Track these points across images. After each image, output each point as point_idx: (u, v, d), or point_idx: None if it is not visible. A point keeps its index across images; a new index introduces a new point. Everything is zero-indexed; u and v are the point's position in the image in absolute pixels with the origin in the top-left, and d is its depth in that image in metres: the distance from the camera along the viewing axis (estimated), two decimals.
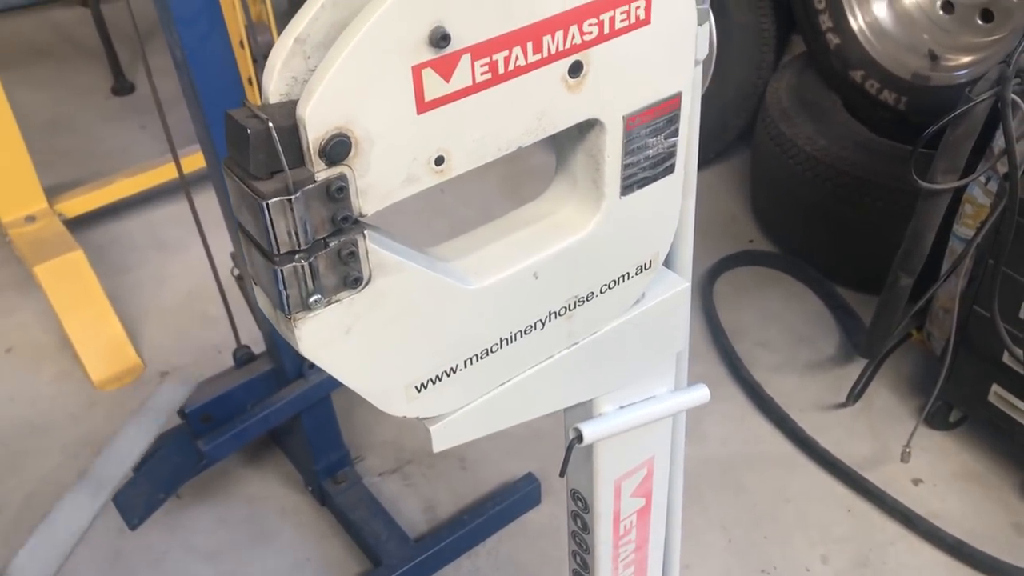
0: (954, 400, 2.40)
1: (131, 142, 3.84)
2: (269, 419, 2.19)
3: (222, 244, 2.14)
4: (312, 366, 2.20)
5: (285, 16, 4.18)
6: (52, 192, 3.13)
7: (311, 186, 0.73)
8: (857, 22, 2.85)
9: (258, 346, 2.28)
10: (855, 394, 2.55)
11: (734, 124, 3.23)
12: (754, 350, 2.76)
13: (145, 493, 2.19)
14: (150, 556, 2.32)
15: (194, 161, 2.64)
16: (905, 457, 2.33)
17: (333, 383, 2.25)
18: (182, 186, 2.11)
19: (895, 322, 2.39)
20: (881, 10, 2.85)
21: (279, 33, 2.85)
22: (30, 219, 3.01)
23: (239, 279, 2.16)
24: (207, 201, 2.08)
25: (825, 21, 2.88)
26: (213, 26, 1.78)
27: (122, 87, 4.16)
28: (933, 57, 2.73)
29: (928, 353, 2.52)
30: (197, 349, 2.87)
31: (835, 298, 2.89)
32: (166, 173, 3.30)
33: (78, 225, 3.18)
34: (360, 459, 2.52)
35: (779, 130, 2.90)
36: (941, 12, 2.79)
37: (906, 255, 2.26)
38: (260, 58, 2.74)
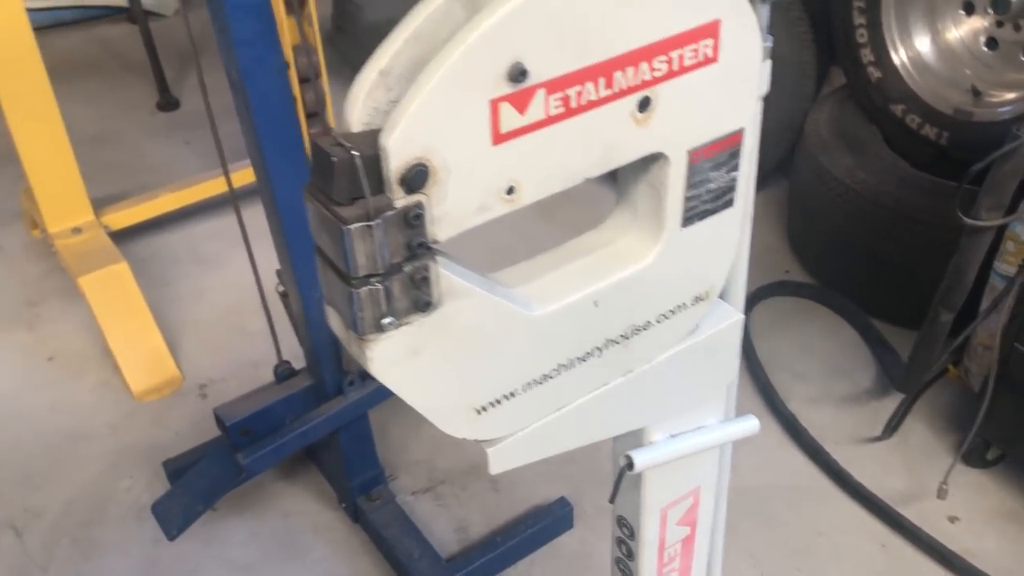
0: (992, 437, 2.38)
1: (175, 157, 3.91)
2: (308, 435, 2.22)
3: (265, 259, 2.18)
4: (352, 383, 2.24)
5: (331, 38, 4.26)
6: (98, 204, 3.19)
7: (390, 212, 0.76)
8: (899, 56, 2.86)
9: (297, 362, 2.31)
10: (891, 428, 2.54)
11: (772, 155, 3.24)
12: (789, 381, 2.75)
13: (183, 504, 2.22)
14: (184, 567, 2.34)
15: (239, 177, 2.69)
16: (942, 494, 2.32)
17: (371, 401, 2.28)
18: (231, 201, 2.15)
19: (934, 357, 2.39)
20: (924, 45, 2.86)
21: (324, 54, 2.88)
22: (76, 231, 3.07)
23: (283, 295, 2.19)
24: (250, 216, 2.12)
25: (867, 55, 2.89)
26: (269, 48, 1.82)
27: (167, 103, 4.23)
28: (976, 93, 2.74)
29: (965, 389, 2.51)
30: (235, 363, 2.91)
31: (871, 331, 2.88)
32: (209, 189, 3.35)
33: (122, 237, 3.23)
34: (393, 478, 2.54)
35: (818, 162, 2.90)
36: (985, 48, 2.79)
37: (947, 291, 2.25)
38: (310, 77, 2.78)
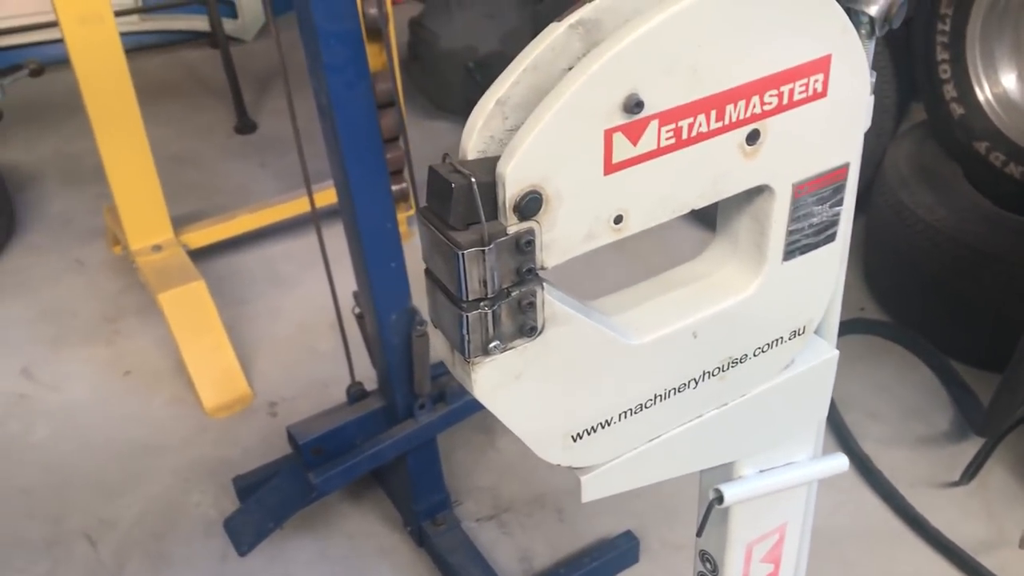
0: None
1: (252, 179, 4.00)
2: (378, 456, 2.23)
3: (340, 280, 2.21)
4: (422, 407, 2.25)
5: (406, 65, 4.33)
6: (178, 223, 3.27)
7: (503, 239, 0.77)
8: (984, 93, 2.81)
9: (368, 383, 2.34)
10: (970, 473, 2.47)
11: None
12: (863, 421, 2.70)
13: (255, 521, 2.25)
14: None
15: (318, 199, 2.75)
16: (1023, 543, 2.25)
17: (440, 425, 2.29)
18: (313, 221, 2.19)
19: (1017, 402, 2.32)
20: (1010, 82, 2.81)
21: (402, 81, 2.93)
22: (157, 248, 3.15)
23: (359, 317, 2.22)
24: (327, 238, 2.16)
25: (949, 91, 2.85)
26: (358, 74, 1.86)
27: (245, 126, 4.33)
28: None
29: None
30: (305, 383, 2.95)
31: (949, 372, 2.82)
32: (285, 210, 3.42)
33: (200, 256, 3.31)
34: (459, 503, 2.54)
35: (897, 198, 2.86)
36: None
37: None
38: (386, 103, 2.83)
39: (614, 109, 0.77)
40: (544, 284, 0.83)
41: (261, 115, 4.43)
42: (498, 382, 0.85)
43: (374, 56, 3.09)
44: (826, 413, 1.17)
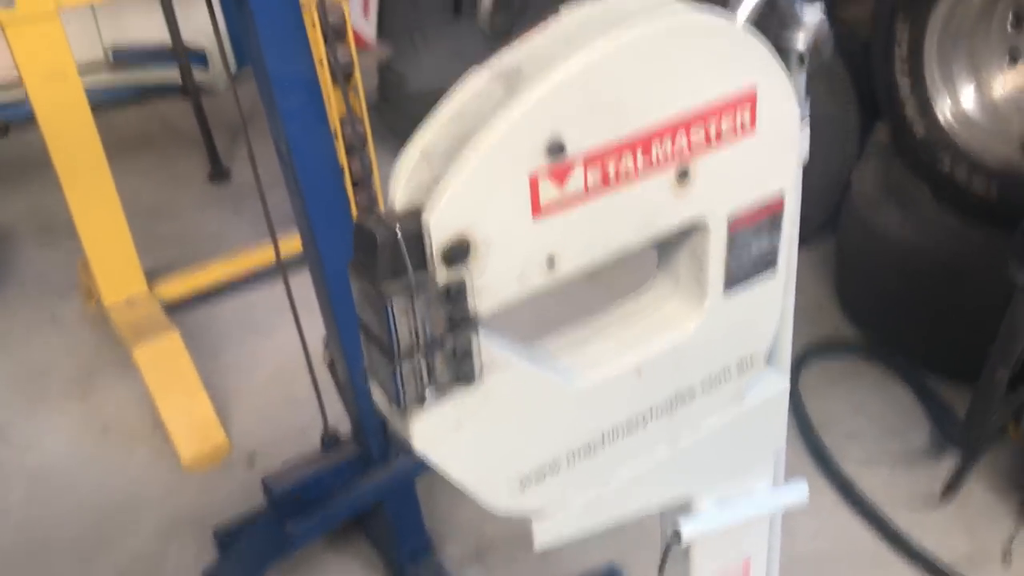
0: None
1: (226, 226, 3.99)
2: (355, 503, 2.22)
3: (312, 327, 2.20)
4: (398, 452, 2.24)
5: (376, 107, 4.35)
6: (152, 275, 3.26)
7: (432, 288, 0.77)
8: (943, 111, 2.84)
9: (344, 429, 2.32)
10: (950, 490, 2.46)
11: (819, 212, 3.22)
12: (843, 442, 2.70)
13: (235, 574, 2.22)
14: None
15: (287, 246, 2.74)
16: (1006, 558, 2.24)
17: (417, 469, 2.28)
18: (279, 270, 2.18)
19: (991, 415, 2.32)
20: (968, 99, 2.84)
21: (370, 124, 2.95)
22: (131, 302, 3.13)
23: (330, 364, 2.21)
24: (297, 285, 2.15)
25: (910, 110, 2.87)
26: (317, 119, 1.86)
27: (218, 174, 4.34)
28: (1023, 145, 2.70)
29: None
30: (283, 431, 2.92)
31: (926, 389, 2.82)
32: (259, 258, 3.40)
33: (175, 307, 3.29)
34: (440, 548, 2.51)
35: (865, 218, 2.88)
36: None
37: (1002, 347, 2.20)
38: (356, 147, 2.84)
39: (537, 153, 0.78)
40: (479, 330, 0.83)
41: (234, 163, 4.44)
42: (437, 432, 0.84)
43: (341, 101, 3.11)
44: (783, 442, 1.16)
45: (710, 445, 1.05)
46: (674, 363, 0.97)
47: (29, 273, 3.84)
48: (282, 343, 3.25)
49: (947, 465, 2.52)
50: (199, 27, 4.53)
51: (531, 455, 0.92)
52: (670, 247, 0.97)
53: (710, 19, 0.82)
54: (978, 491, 2.52)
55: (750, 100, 0.87)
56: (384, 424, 2.17)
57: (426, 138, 0.79)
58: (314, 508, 2.18)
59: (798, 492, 1.17)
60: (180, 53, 4.20)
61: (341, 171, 2.97)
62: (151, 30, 4.72)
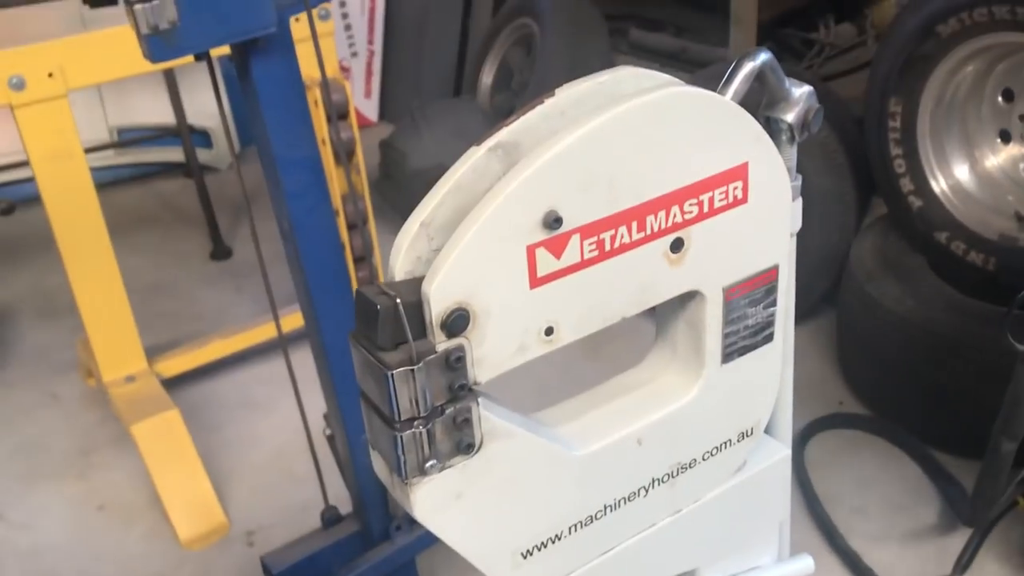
0: None
1: (227, 304, 4.01)
2: None
3: (313, 404, 2.20)
4: (399, 528, 2.21)
5: (376, 185, 4.41)
6: (152, 352, 3.26)
7: (432, 357, 0.78)
8: (939, 184, 2.88)
9: (345, 506, 2.30)
10: (962, 566, 2.42)
11: (818, 286, 3.23)
12: (850, 518, 2.66)
13: None
14: None
15: (288, 322, 2.75)
16: None
17: (419, 546, 2.24)
18: (280, 345, 2.19)
19: (1000, 489, 2.29)
20: (963, 173, 2.88)
21: (371, 201, 2.99)
22: (130, 379, 3.13)
23: (331, 439, 2.20)
24: (299, 361, 2.15)
25: (906, 184, 2.92)
26: (319, 199, 1.89)
27: (220, 252, 4.37)
28: (1020, 218, 2.73)
29: None
30: (283, 508, 2.89)
31: (932, 463, 2.79)
32: (259, 335, 3.41)
33: (174, 384, 3.29)
34: None
35: (865, 291, 2.89)
36: None
37: (1007, 420, 2.19)
38: (358, 224, 2.88)
39: (534, 226, 0.79)
40: (480, 399, 0.83)
41: (236, 241, 4.48)
42: (438, 502, 0.84)
43: (343, 178, 3.16)
44: (787, 513, 1.15)
45: (713, 515, 1.05)
46: (674, 432, 0.97)
47: (29, 351, 3.84)
48: (282, 420, 3.23)
49: (958, 540, 2.48)
50: (202, 108, 4.63)
51: (532, 525, 0.91)
52: (668, 317, 0.98)
53: (701, 93, 0.84)
54: (990, 567, 2.47)
55: (743, 173, 0.89)
56: (385, 500, 2.14)
57: (426, 211, 0.81)
58: None
59: (803, 566, 1.15)
60: (184, 133, 4.28)
61: (342, 247, 3.00)
62: (156, 111, 4.82)
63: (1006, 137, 2.83)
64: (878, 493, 2.75)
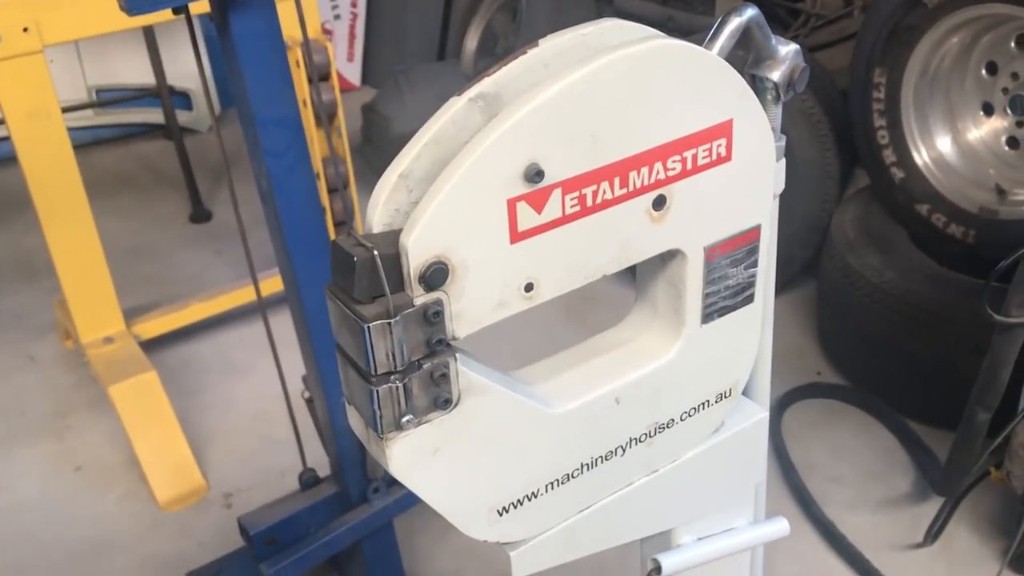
0: None
1: (206, 267, 3.98)
2: (332, 544, 2.18)
3: (291, 367, 2.18)
4: (376, 490, 2.21)
5: (359, 149, 4.37)
6: (130, 315, 3.24)
7: (410, 310, 0.77)
8: (921, 157, 2.88)
9: (323, 469, 2.30)
10: (933, 534, 2.45)
11: (799, 256, 3.24)
12: (826, 486, 2.68)
13: None
14: None
15: (268, 285, 2.73)
16: None
17: (397, 509, 2.25)
18: (258, 310, 2.17)
19: (973, 459, 2.32)
20: (945, 145, 2.88)
21: (353, 165, 2.96)
22: (108, 340, 3.10)
23: (309, 402, 2.19)
24: (277, 324, 2.14)
25: (889, 156, 2.92)
26: (299, 158, 1.87)
27: (200, 215, 4.34)
28: (1000, 191, 2.74)
29: (1009, 492, 2.43)
30: (261, 471, 2.89)
31: (908, 433, 2.82)
32: (238, 298, 3.39)
33: (153, 347, 3.27)
34: None
35: (845, 262, 2.90)
36: (1006, 147, 2.81)
37: (982, 390, 2.21)
38: (339, 188, 2.85)
39: (515, 179, 0.78)
40: (457, 354, 0.82)
41: (216, 204, 4.44)
42: (414, 458, 0.83)
43: (324, 141, 3.13)
44: (763, 476, 1.16)
45: (690, 476, 1.05)
46: (653, 391, 0.96)
47: (6, 312, 3.81)
48: (261, 383, 3.22)
49: (930, 509, 2.51)
50: (183, 69, 4.57)
51: (509, 483, 0.91)
52: (648, 276, 0.98)
53: (687, 47, 0.83)
54: (961, 535, 2.50)
55: (727, 130, 0.88)
56: (363, 463, 2.14)
57: (405, 162, 0.79)
58: (290, 549, 2.15)
59: (778, 528, 1.16)
60: (164, 94, 4.22)
61: (323, 211, 2.98)
62: (136, 71, 4.75)
63: (989, 110, 2.83)
64: (853, 462, 2.78)
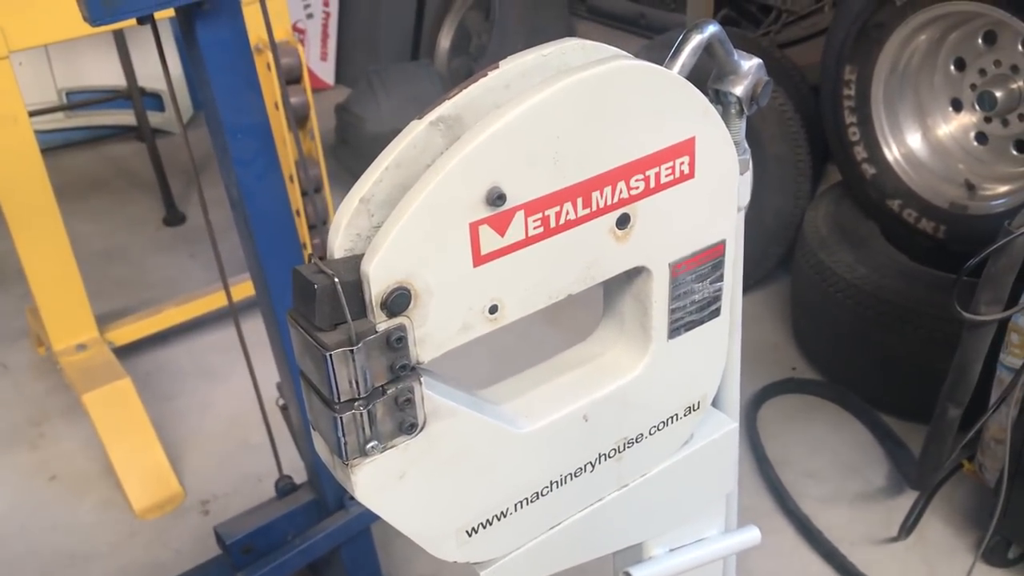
0: (1012, 536, 2.32)
1: (180, 271, 3.95)
2: (309, 552, 2.17)
3: (267, 372, 2.17)
4: (353, 497, 2.20)
5: (333, 150, 4.35)
6: (103, 320, 3.21)
7: (372, 337, 0.76)
8: (892, 153, 2.90)
9: (300, 475, 2.29)
10: (908, 527, 2.47)
11: (773, 252, 3.26)
12: (801, 481, 2.70)
13: None
14: None
15: (241, 290, 2.71)
16: None
17: (373, 516, 2.24)
18: (231, 314, 2.16)
19: (945, 453, 2.34)
20: (915, 141, 2.90)
21: (327, 167, 2.94)
22: (81, 347, 3.07)
23: (284, 408, 2.18)
24: (252, 328, 2.13)
25: (860, 152, 2.93)
26: (268, 166, 1.86)
27: (173, 218, 4.30)
28: (970, 187, 2.76)
29: (982, 485, 2.46)
30: (238, 477, 2.87)
31: (882, 427, 2.84)
32: (212, 302, 3.37)
33: (127, 352, 3.24)
34: None
35: (818, 258, 2.92)
36: (975, 143, 2.83)
37: (953, 386, 2.23)
38: (310, 191, 2.83)
39: (477, 202, 0.78)
40: (422, 379, 0.82)
41: (190, 207, 4.41)
42: (380, 483, 0.83)
43: (296, 144, 3.11)
44: (735, 486, 1.16)
45: (660, 489, 1.05)
46: (620, 407, 0.97)
47: None
48: (236, 388, 3.20)
49: (905, 503, 2.53)
50: (154, 70, 4.52)
51: (478, 503, 0.91)
52: (615, 293, 0.98)
53: (648, 67, 0.83)
54: (936, 528, 2.53)
55: (689, 148, 0.88)
56: None
57: (366, 186, 0.79)
58: (267, 557, 2.14)
59: (749, 537, 1.16)
60: (135, 96, 4.18)
61: (295, 215, 2.96)
62: (106, 73, 4.70)
63: (957, 106, 2.85)
64: (829, 457, 2.80)
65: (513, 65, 0.83)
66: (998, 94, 2.65)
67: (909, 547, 2.48)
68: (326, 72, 5.42)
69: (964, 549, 2.46)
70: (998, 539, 2.33)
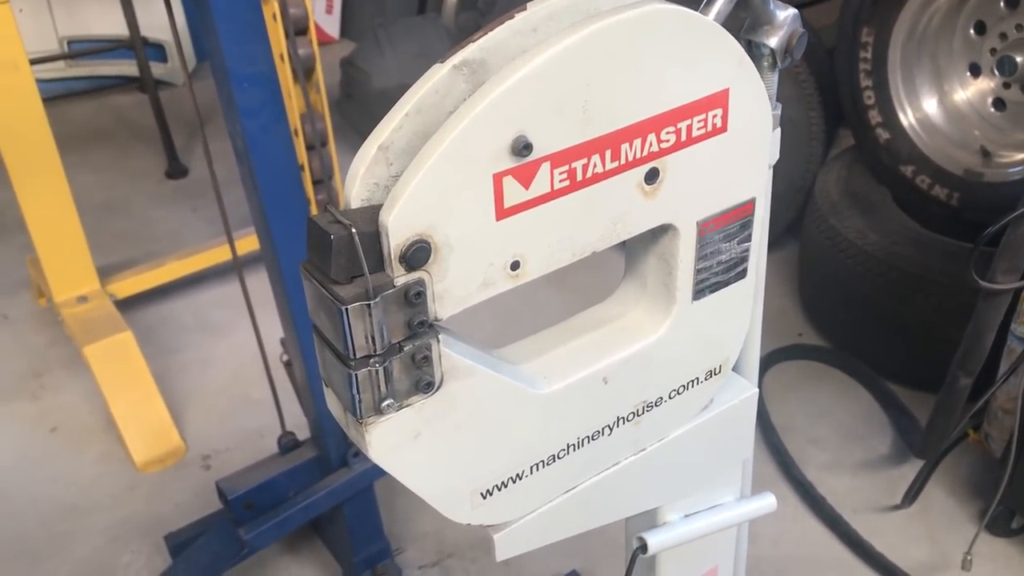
0: (1016, 506, 2.31)
1: (183, 224, 3.92)
2: (311, 508, 2.16)
3: (270, 327, 2.15)
4: (356, 454, 2.19)
5: (338, 105, 4.29)
6: (105, 273, 3.18)
7: (390, 291, 0.73)
8: (907, 118, 2.85)
9: (302, 432, 2.27)
10: (911, 496, 2.46)
11: (783, 216, 3.22)
12: (805, 448, 2.69)
13: None
14: None
15: (245, 244, 2.68)
16: (966, 564, 2.24)
17: (377, 472, 2.23)
18: (235, 269, 2.13)
19: (953, 423, 2.33)
20: (931, 106, 2.85)
21: (332, 122, 2.89)
22: (82, 299, 3.05)
23: (287, 364, 2.16)
24: (256, 283, 2.09)
25: (874, 116, 2.88)
26: (275, 117, 1.81)
27: (176, 171, 4.25)
28: (985, 153, 2.72)
29: (987, 455, 2.44)
30: (240, 433, 2.86)
31: (888, 395, 2.82)
32: (215, 256, 3.34)
33: (128, 305, 3.21)
34: (400, 551, 2.47)
35: (828, 224, 2.88)
36: (992, 109, 2.78)
37: (965, 355, 2.20)
38: (316, 145, 2.79)
39: (502, 152, 0.74)
40: (440, 336, 0.79)
41: (193, 159, 4.35)
42: (395, 443, 0.80)
43: (302, 97, 3.05)
44: (751, 452, 1.14)
45: (677, 454, 1.03)
46: (641, 370, 0.94)
47: None
48: (239, 343, 3.18)
49: (909, 471, 2.52)
50: (157, 20, 4.45)
51: (493, 465, 0.88)
52: (638, 251, 0.94)
53: (683, 12, 0.79)
54: (939, 497, 2.52)
55: (723, 100, 0.84)
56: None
57: (385, 133, 0.75)
58: (269, 513, 2.13)
59: (765, 504, 1.14)
60: (137, 46, 4.11)
61: (300, 169, 2.91)
62: (109, 22, 4.62)
63: (976, 71, 2.80)
64: (833, 424, 2.79)
65: (541, 8, 0.79)
66: (1019, 59, 2.60)
67: (912, 516, 2.48)
68: (331, 25, 5.33)
69: (967, 519, 2.45)
70: (1002, 509, 2.33)
